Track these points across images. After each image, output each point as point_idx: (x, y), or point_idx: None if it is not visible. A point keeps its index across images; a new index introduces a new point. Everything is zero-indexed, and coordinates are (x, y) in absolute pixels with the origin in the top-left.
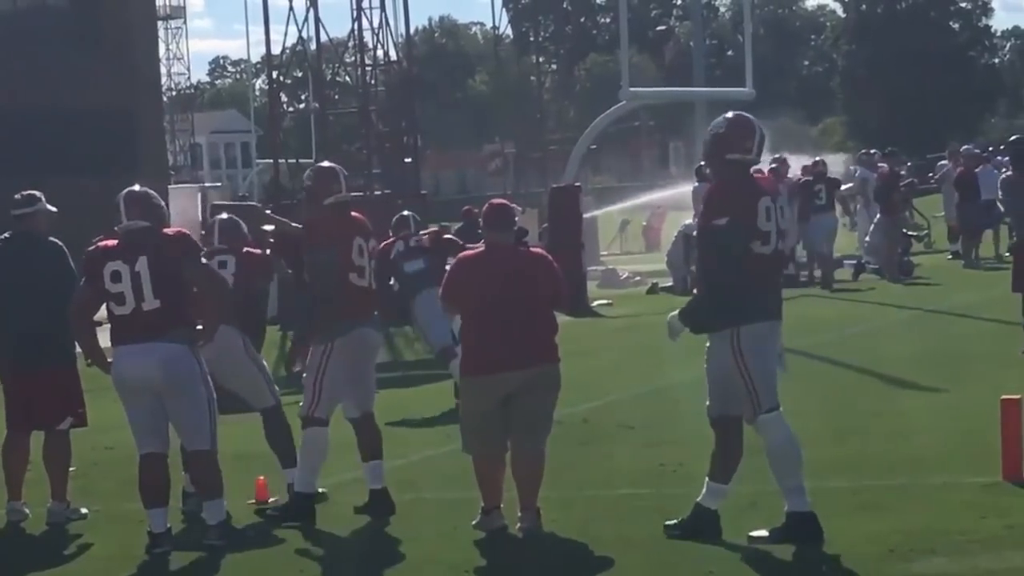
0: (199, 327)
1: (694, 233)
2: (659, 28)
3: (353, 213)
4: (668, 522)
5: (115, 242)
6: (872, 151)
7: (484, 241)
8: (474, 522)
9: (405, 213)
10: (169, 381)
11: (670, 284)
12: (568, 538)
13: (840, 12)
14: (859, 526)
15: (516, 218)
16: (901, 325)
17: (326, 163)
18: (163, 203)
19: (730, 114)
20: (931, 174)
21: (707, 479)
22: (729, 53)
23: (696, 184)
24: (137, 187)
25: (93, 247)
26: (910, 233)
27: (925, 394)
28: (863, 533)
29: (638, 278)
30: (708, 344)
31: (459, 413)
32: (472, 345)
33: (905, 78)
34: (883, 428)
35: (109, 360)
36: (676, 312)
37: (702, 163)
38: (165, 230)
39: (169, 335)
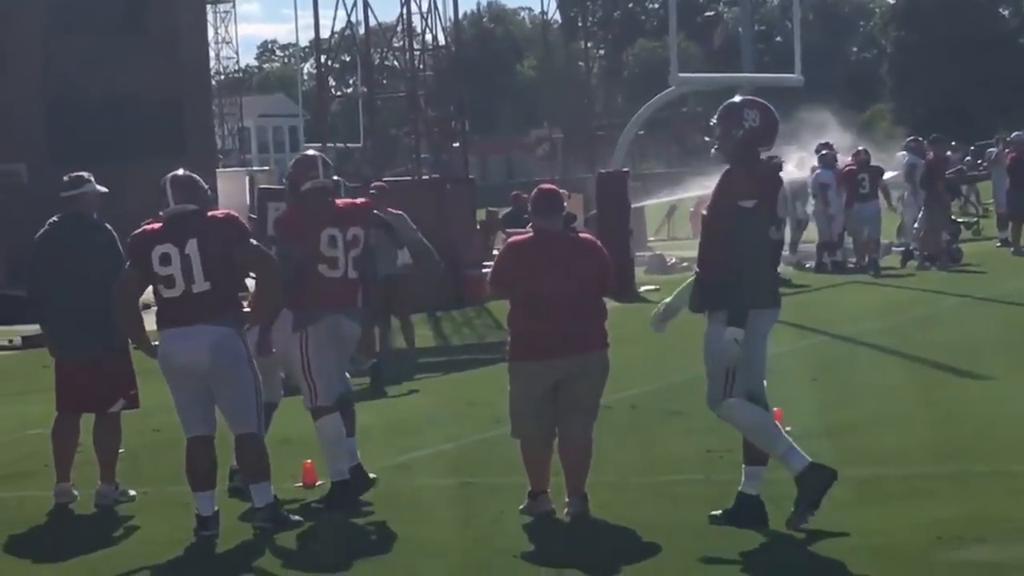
0: (246, 310)
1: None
2: (707, 14)
3: (339, 201)
4: (713, 512)
5: (160, 225)
6: (919, 137)
7: (532, 227)
8: (521, 507)
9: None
10: (217, 365)
11: None
12: (616, 524)
13: None
14: (907, 514)
15: (565, 203)
16: (949, 313)
17: (309, 151)
18: (207, 187)
19: (752, 105)
20: (980, 161)
21: (743, 465)
22: (778, 39)
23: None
24: (181, 171)
25: (139, 231)
26: (959, 220)
27: (973, 382)
28: (911, 520)
29: (685, 264)
30: (708, 329)
31: (508, 397)
32: (521, 331)
33: (954, 64)
34: (931, 416)
35: (154, 343)
36: (667, 300)
37: None
38: (213, 213)
39: (218, 318)
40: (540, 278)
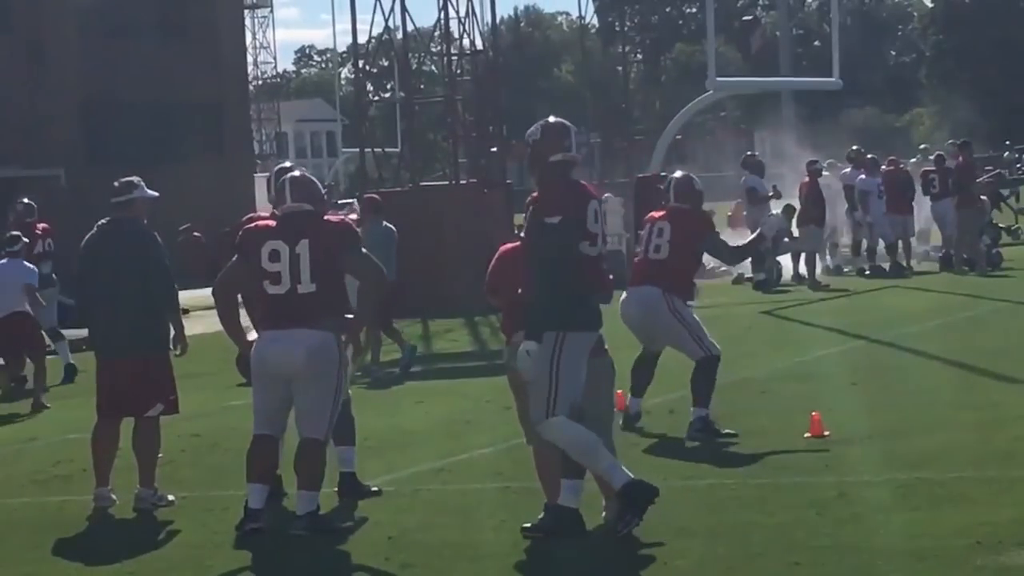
0: (348, 317)
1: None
2: (746, 18)
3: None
4: (524, 525)
5: (273, 222)
6: (958, 141)
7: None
8: (541, 516)
9: None
10: (311, 369)
11: (755, 275)
12: (654, 528)
13: (928, 1)
14: (947, 518)
15: None
16: (989, 317)
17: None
18: (324, 191)
19: (541, 122)
20: (1019, 165)
21: (562, 479)
22: (816, 43)
23: (745, 176)
24: (299, 172)
25: (251, 225)
26: (1000, 225)
27: (1013, 386)
28: (951, 525)
29: (724, 268)
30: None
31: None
32: (513, 340)
33: (994, 68)
34: (971, 420)
35: (251, 338)
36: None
37: (749, 152)
38: (328, 217)
39: (318, 322)
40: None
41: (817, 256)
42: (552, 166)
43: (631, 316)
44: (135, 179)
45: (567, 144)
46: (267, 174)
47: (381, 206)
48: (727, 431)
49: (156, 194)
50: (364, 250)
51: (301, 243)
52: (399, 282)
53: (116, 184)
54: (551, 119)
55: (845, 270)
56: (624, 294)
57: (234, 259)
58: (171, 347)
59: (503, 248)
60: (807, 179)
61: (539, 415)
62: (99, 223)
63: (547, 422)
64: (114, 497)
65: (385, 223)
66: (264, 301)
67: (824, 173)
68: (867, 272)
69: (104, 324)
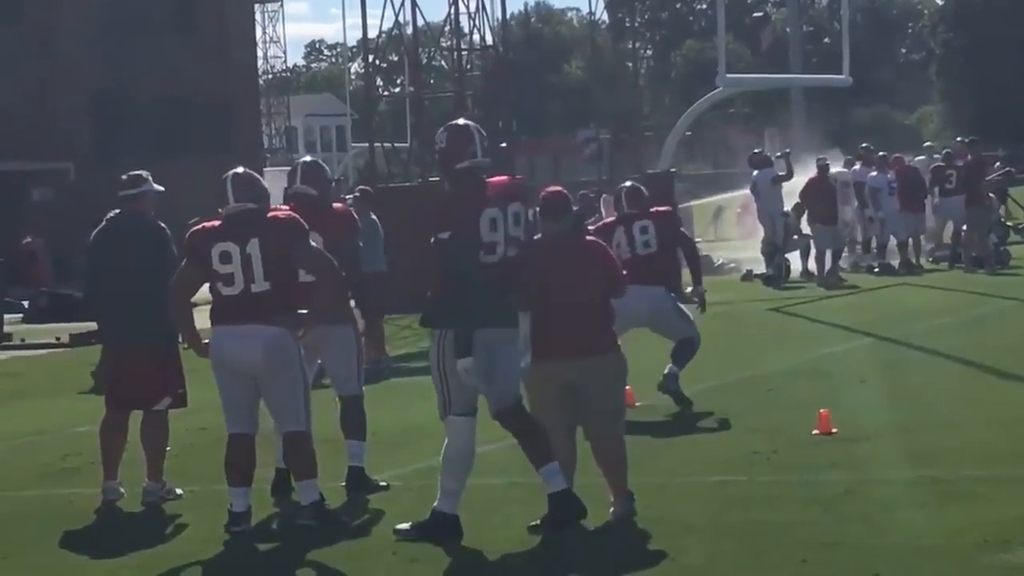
0: (303, 312)
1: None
2: (756, 15)
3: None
4: (400, 526)
5: (219, 223)
6: (967, 139)
7: (540, 230)
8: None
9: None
10: (270, 365)
11: (763, 271)
12: (662, 525)
13: None
14: (954, 516)
15: (573, 207)
16: (997, 315)
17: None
18: (267, 186)
19: (447, 126)
20: None
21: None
22: (826, 40)
23: (755, 172)
24: (242, 169)
25: (197, 228)
26: (1009, 223)
27: (1022, 384)
28: (958, 523)
29: (732, 264)
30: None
31: None
32: (527, 334)
33: (1004, 66)
34: (979, 418)
35: (205, 342)
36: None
37: (756, 151)
38: (274, 212)
39: (274, 319)
40: (544, 282)
41: (829, 253)
42: (458, 174)
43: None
44: (144, 173)
45: (472, 150)
46: (277, 169)
47: (372, 197)
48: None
49: (163, 189)
50: (313, 243)
51: (251, 242)
52: (388, 273)
53: (125, 178)
54: (458, 122)
55: (862, 266)
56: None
57: (184, 263)
58: (180, 340)
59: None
60: (815, 175)
61: (441, 411)
62: (107, 216)
63: (449, 419)
64: (122, 490)
65: (372, 215)
66: (218, 300)
67: (832, 170)
68: (876, 269)
69: (113, 317)
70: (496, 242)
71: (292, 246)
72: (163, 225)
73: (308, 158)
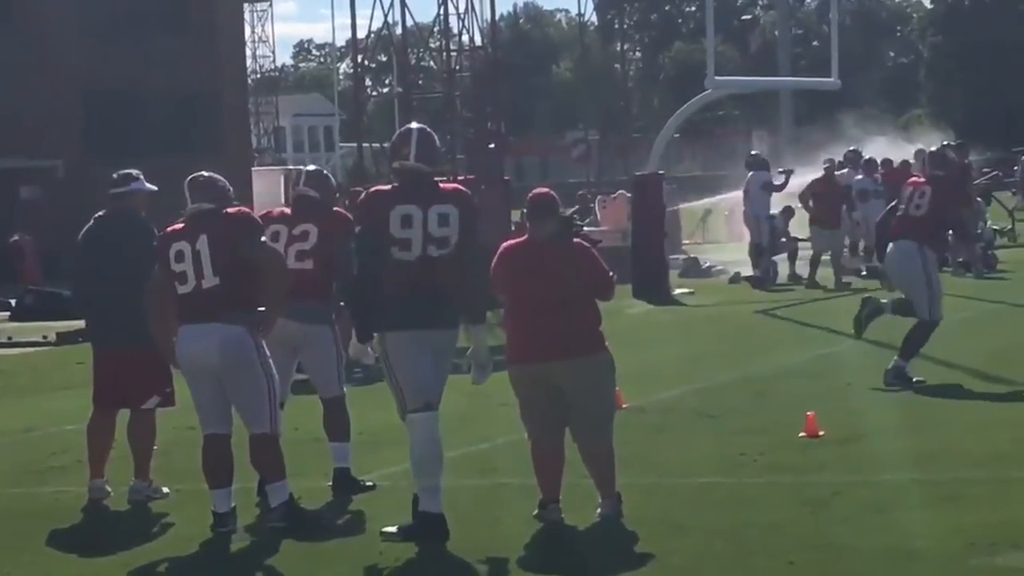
0: (261, 310)
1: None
2: (745, 17)
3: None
4: (387, 528)
5: (181, 225)
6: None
7: (527, 231)
8: (534, 513)
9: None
10: (226, 364)
11: (751, 274)
12: (649, 526)
13: (927, 3)
14: (941, 519)
15: (560, 209)
16: (984, 319)
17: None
18: (228, 185)
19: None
20: (1016, 167)
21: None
22: (815, 43)
23: (750, 173)
24: (204, 173)
25: (163, 232)
26: (995, 227)
27: (1008, 387)
28: (945, 526)
29: (720, 267)
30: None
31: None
32: (511, 334)
33: (992, 70)
34: (967, 420)
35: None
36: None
37: (754, 152)
38: (228, 209)
39: (228, 316)
40: (528, 283)
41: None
42: (392, 172)
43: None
44: (134, 172)
45: (405, 152)
46: (266, 168)
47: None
48: (917, 379)
49: (155, 188)
50: (264, 239)
51: (200, 239)
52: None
53: (115, 176)
54: (410, 125)
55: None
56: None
57: (156, 267)
58: None
59: (505, 245)
60: (821, 177)
61: (400, 415)
62: (96, 215)
63: (408, 417)
64: (109, 489)
65: None
66: (177, 300)
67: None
68: (863, 272)
69: (100, 315)
70: (409, 239)
71: (240, 240)
72: (151, 224)
73: (204, 174)
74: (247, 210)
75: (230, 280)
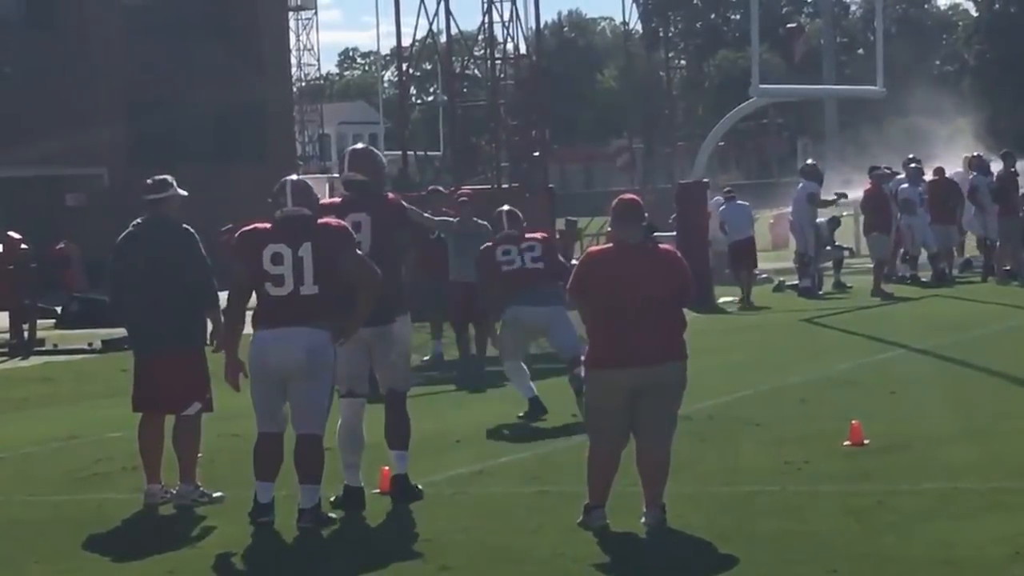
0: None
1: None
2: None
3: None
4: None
5: (271, 226)
6: (979, 154)
7: (612, 237)
8: (578, 520)
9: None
10: (311, 367)
11: (796, 282)
12: (693, 534)
13: (972, 11)
14: (987, 527)
15: (645, 214)
16: None
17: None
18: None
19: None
20: None
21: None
22: (860, 51)
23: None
24: (297, 176)
25: (248, 229)
26: None
27: None
28: (991, 534)
29: (764, 275)
30: None
31: (587, 405)
32: (599, 341)
33: None
34: (1011, 429)
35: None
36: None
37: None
38: (325, 220)
39: (318, 322)
40: (617, 289)
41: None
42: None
43: None
44: (168, 177)
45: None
46: (310, 176)
47: (474, 202)
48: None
49: (186, 193)
50: (360, 252)
51: (304, 246)
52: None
53: (150, 182)
54: (291, 177)
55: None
56: None
57: (237, 263)
58: (208, 343)
59: (591, 250)
60: (869, 185)
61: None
62: (134, 222)
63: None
64: (167, 493)
65: (478, 220)
66: (265, 302)
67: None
68: (908, 280)
69: (140, 322)
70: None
71: (340, 253)
72: (190, 228)
73: (294, 177)
74: (345, 223)
75: (327, 289)
